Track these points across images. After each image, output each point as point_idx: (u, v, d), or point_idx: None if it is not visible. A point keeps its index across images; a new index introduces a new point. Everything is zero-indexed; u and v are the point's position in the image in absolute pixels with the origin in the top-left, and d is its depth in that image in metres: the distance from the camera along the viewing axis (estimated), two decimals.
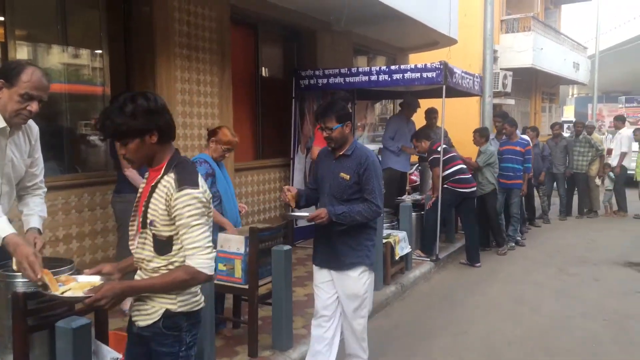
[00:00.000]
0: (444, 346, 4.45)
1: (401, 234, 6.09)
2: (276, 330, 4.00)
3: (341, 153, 3.33)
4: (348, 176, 3.26)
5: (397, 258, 5.89)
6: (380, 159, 8.20)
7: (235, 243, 3.86)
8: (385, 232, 5.97)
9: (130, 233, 2.23)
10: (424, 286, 6.11)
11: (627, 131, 10.83)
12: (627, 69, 36.93)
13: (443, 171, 6.65)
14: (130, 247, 2.21)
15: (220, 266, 3.91)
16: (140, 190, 2.21)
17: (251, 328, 3.86)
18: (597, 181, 10.50)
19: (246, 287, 3.85)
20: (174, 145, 2.17)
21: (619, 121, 11.07)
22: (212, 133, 4.05)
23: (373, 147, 10.61)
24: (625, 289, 5.93)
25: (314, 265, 3.60)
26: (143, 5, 5.27)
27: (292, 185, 7.42)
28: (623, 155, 10.42)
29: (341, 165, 3.32)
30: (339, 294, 3.42)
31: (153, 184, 2.10)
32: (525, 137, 8.45)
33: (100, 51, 5.21)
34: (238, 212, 4.20)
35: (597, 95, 24.64)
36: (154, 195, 2.08)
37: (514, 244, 7.85)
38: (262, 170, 7.18)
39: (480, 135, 7.38)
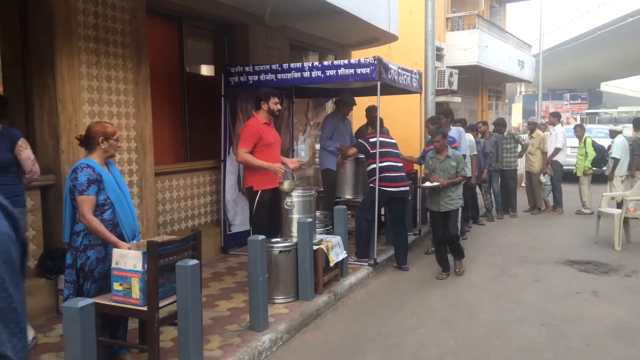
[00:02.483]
0: None
1: (335, 239, 5.75)
2: (183, 355, 3.56)
3: None
4: None
5: (331, 264, 5.55)
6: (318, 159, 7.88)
7: (132, 259, 3.41)
8: (318, 237, 5.62)
9: None
10: (359, 293, 5.78)
11: (561, 127, 10.86)
12: (570, 67, 38.12)
13: (370, 165, 6.38)
14: None
15: (116, 286, 3.46)
16: None
17: (151, 354, 3.42)
18: (542, 178, 10.47)
19: (145, 309, 3.41)
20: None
21: (555, 117, 11.10)
22: (94, 134, 3.56)
23: (318, 146, 10.28)
24: (565, 290, 5.77)
25: None
26: None
27: (225, 189, 6.98)
28: (557, 150, 10.43)
29: None
30: None
31: None
32: (453, 134, 7.92)
33: None
34: (137, 220, 3.74)
35: (543, 93, 25.19)
36: None
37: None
38: (190, 173, 6.70)
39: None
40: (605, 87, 51.55)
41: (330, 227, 6.19)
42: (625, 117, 28.07)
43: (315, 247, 5.28)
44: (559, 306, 5.26)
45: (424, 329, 4.75)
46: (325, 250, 5.45)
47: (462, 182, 6.52)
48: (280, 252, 5.07)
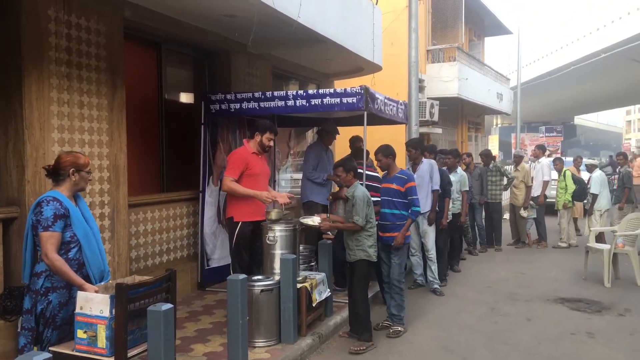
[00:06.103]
0: None
1: (319, 276, 5.43)
2: None
3: None
4: None
5: (314, 304, 5.22)
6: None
7: (98, 304, 3.07)
8: (301, 273, 5.30)
9: None
10: None
11: (546, 160, 10.81)
12: (546, 100, 38.89)
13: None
14: None
15: (80, 333, 3.11)
16: None
17: None
18: (523, 212, 10.30)
19: (112, 359, 3.05)
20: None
21: (540, 150, 11.07)
22: (65, 164, 3.25)
23: (298, 176, 9.99)
24: (560, 330, 5.52)
25: None
26: (7, 15, 4.43)
27: (203, 221, 6.63)
28: (546, 183, 10.35)
29: None
30: None
31: None
32: (424, 167, 7.00)
33: None
34: (106, 260, 3.40)
35: (519, 125, 25.45)
36: None
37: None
38: (167, 205, 6.35)
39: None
40: (579, 120, 52.73)
41: (314, 262, 5.89)
42: None
43: (298, 285, 4.97)
44: (556, 349, 4.99)
45: None
46: (309, 288, 5.13)
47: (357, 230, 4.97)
48: (262, 291, 4.74)
